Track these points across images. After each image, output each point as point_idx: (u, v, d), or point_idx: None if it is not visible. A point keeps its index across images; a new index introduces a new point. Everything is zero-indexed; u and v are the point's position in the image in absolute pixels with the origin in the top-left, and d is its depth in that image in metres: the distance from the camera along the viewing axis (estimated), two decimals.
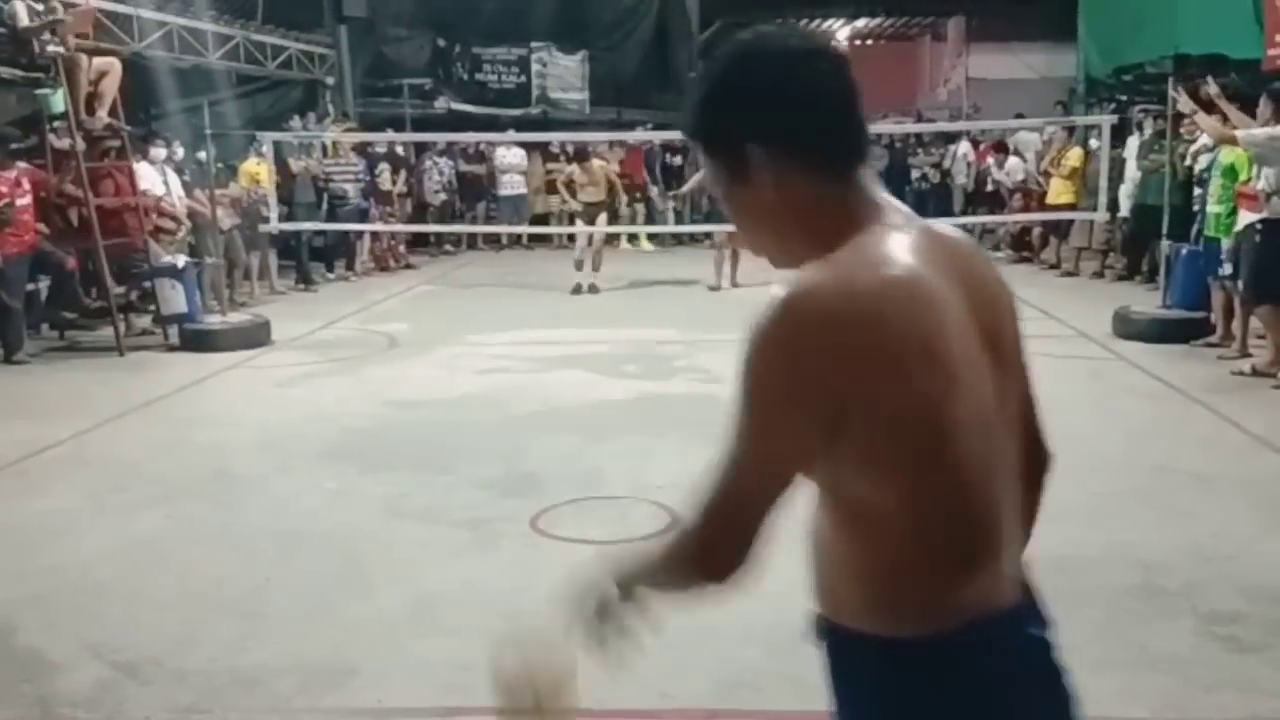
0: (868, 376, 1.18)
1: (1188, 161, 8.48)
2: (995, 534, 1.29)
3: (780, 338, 1.20)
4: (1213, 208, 7.41)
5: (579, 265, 11.19)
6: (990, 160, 13.77)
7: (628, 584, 1.42)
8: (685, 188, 13.49)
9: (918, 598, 1.26)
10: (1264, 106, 6.77)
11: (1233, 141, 6.87)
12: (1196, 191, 8.38)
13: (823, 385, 1.18)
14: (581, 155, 11.69)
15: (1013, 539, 1.33)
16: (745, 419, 1.22)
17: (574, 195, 11.41)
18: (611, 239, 14.46)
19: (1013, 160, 13.37)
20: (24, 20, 7.84)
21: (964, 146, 14.60)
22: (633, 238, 14.89)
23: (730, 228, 9.15)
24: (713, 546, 1.28)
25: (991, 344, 1.28)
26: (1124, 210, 10.91)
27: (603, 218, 11.31)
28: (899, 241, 1.25)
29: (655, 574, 1.39)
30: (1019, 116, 13.73)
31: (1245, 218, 6.82)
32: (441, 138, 14.57)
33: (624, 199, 13.57)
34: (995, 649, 1.28)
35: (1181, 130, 8.63)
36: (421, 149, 14.53)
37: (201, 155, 9.95)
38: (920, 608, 1.26)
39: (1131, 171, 10.74)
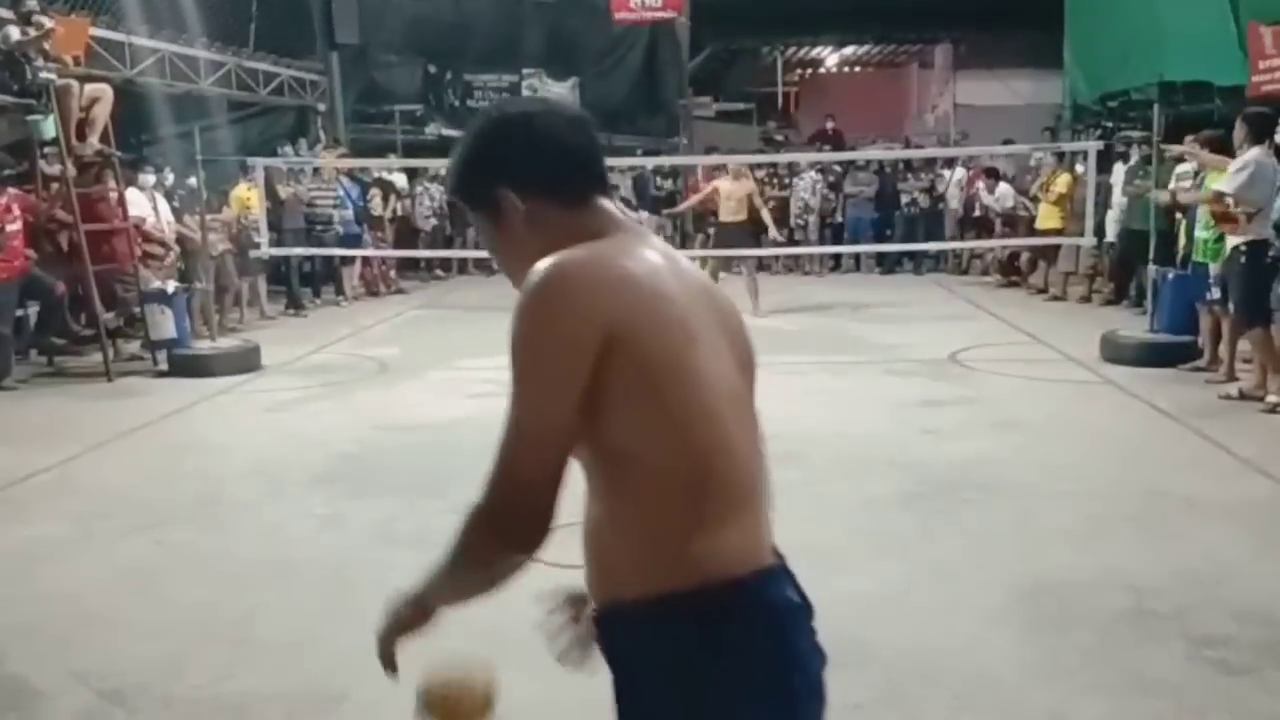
0: (618, 321, 1.31)
1: (1172, 185, 8.56)
2: (753, 492, 1.40)
3: (538, 302, 1.33)
4: (1200, 233, 7.47)
5: None
6: (980, 185, 13.87)
7: (423, 597, 1.53)
8: (680, 208, 13.47)
9: (684, 548, 1.33)
10: (1239, 130, 6.86)
11: (1221, 198, 6.96)
12: (1178, 216, 8.46)
13: (583, 331, 1.31)
14: None
15: (766, 506, 1.44)
16: (523, 385, 1.34)
17: None
18: None
19: (1003, 186, 13.46)
20: (16, 36, 7.86)
21: (959, 172, 14.70)
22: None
23: (718, 253, 9.10)
24: (511, 511, 1.34)
25: (730, 342, 1.46)
26: (1110, 235, 11.00)
27: None
28: (636, 241, 1.46)
29: (453, 570, 1.44)
30: (1008, 142, 13.84)
31: (1230, 241, 6.88)
32: (433, 164, 14.61)
33: None
34: (761, 600, 1.36)
35: (1167, 156, 8.71)
36: (413, 175, 14.57)
37: (192, 181, 9.96)
38: (686, 558, 1.33)
39: (1118, 197, 10.83)
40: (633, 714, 1.39)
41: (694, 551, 1.33)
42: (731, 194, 10.93)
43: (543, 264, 1.36)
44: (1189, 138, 8.08)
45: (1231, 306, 6.88)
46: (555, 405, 1.32)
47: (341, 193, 12.45)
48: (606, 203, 1.52)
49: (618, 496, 1.38)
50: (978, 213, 14.08)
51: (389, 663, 1.58)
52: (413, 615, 1.54)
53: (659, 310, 1.35)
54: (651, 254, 1.43)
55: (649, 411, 1.33)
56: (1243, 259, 6.71)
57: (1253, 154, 6.69)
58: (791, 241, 14.46)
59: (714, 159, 13.97)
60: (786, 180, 15.37)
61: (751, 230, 11.26)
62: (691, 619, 1.32)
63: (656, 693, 1.35)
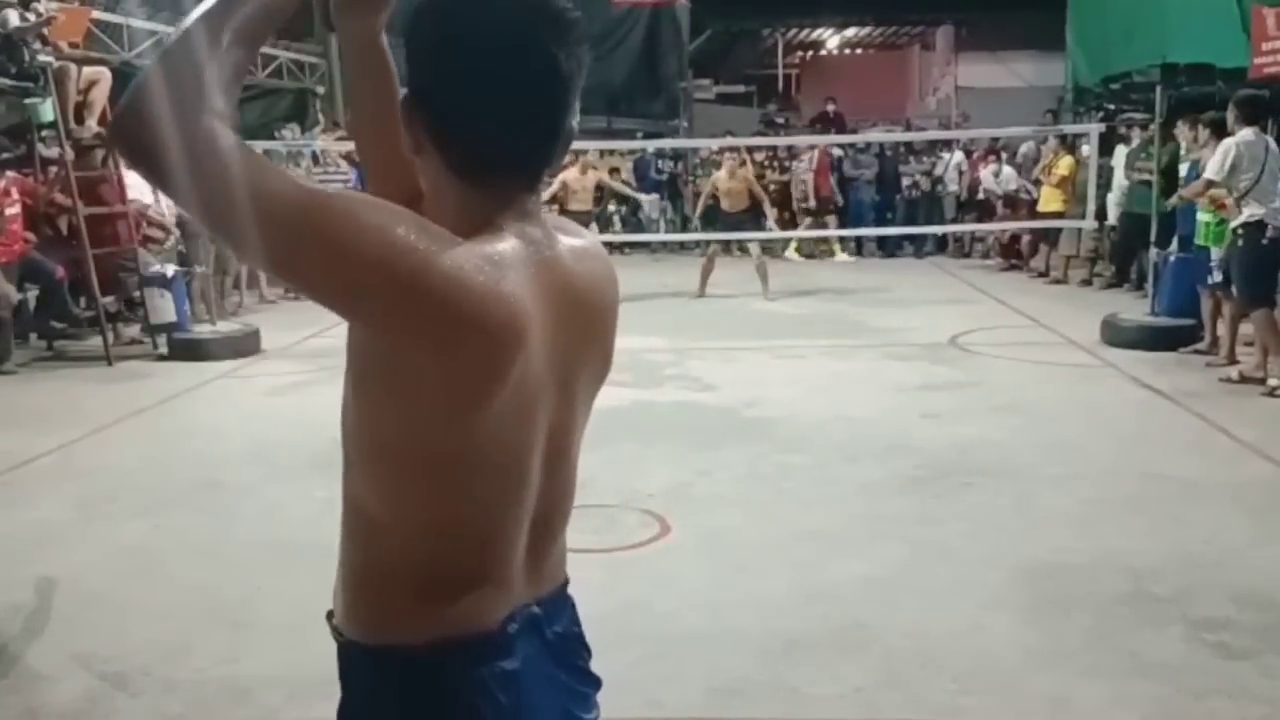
0: (430, 334, 1.09)
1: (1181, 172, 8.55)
2: (492, 562, 1.26)
3: (418, 235, 1.08)
4: (1202, 216, 7.47)
5: None
6: (985, 169, 13.79)
7: None
8: (697, 211, 13.28)
9: (386, 607, 1.25)
10: (1230, 114, 6.91)
11: (1211, 185, 7.02)
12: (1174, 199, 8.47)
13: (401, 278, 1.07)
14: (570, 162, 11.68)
15: (514, 568, 1.28)
16: (336, 230, 1.06)
17: (565, 205, 11.40)
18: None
19: (1007, 170, 13.41)
20: (15, 21, 7.82)
21: (958, 155, 14.65)
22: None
23: (722, 236, 9.09)
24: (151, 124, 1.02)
25: (566, 378, 1.25)
26: (1112, 218, 10.97)
27: (592, 229, 11.32)
28: (510, 255, 1.15)
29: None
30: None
31: (1230, 224, 6.87)
32: None
33: (611, 208, 13.51)
34: (463, 670, 1.25)
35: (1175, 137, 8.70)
36: None
37: None
38: (386, 617, 1.25)
39: (1119, 180, 10.80)
40: None
41: (395, 614, 1.25)
42: (730, 189, 11.17)
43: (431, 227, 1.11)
44: (1181, 122, 8.12)
45: (1235, 289, 6.87)
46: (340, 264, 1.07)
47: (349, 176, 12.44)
48: (516, 198, 1.20)
49: (357, 540, 1.27)
50: (980, 195, 14.03)
51: None
52: None
53: (476, 369, 1.13)
54: (520, 276, 1.15)
55: (415, 481, 1.20)
56: (1240, 241, 6.71)
57: (1237, 136, 6.71)
58: (792, 225, 14.46)
59: (717, 142, 13.93)
60: (786, 164, 15.33)
61: (754, 217, 11.42)
62: (376, 671, 1.27)
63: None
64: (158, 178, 1.04)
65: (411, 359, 1.13)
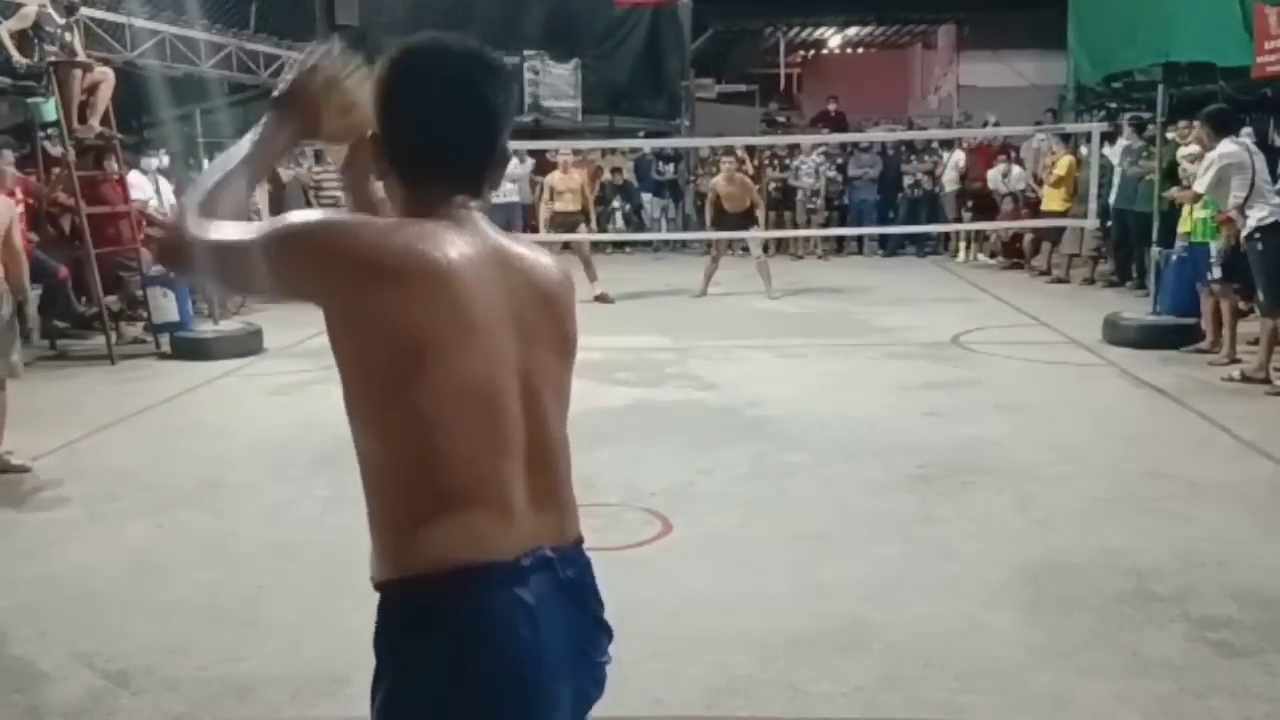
0: (373, 282, 1.35)
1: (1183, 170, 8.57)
2: (486, 483, 1.39)
3: (317, 226, 1.41)
4: (1198, 212, 7.46)
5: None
6: (993, 169, 13.72)
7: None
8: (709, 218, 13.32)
9: (401, 540, 1.39)
10: (1202, 130, 7.00)
11: (1199, 198, 7.18)
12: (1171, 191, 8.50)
13: (331, 271, 1.37)
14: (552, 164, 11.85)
15: (514, 499, 1.41)
16: (289, 262, 1.40)
17: (553, 208, 11.51)
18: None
19: (1015, 170, 13.36)
20: (17, 55, 7.82)
21: (956, 155, 14.63)
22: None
23: (724, 236, 9.12)
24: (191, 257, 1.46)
25: (523, 329, 1.44)
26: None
27: (581, 228, 11.38)
28: (438, 228, 1.41)
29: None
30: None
31: (1245, 229, 6.82)
32: None
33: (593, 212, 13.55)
34: (470, 593, 1.36)
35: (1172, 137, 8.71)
36: None
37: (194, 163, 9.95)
38: (404, 549, 1.39)
39: (1115, 177, 10.80)
40: (374, 685, 1.43)
41: (409, 544, 1.38)
42: (730, 195, 11.35)
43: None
44: (1183, 124, 8.13)
45: (1260, 295, 6.80)
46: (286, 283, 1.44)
47: None
48: (456, 202, 1.47)
49: (368, 486, 1.46)
50: (995, 188, 13.83)
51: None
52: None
53: (430, 296, 1.36)
54: (462, 244, 1.41)
55: (390, 414, 1.39)
56: (1259, 245, 6.63)
57: (1217, 150, 6.72)
58: (794, 224, 14.49)
59: (717, 140, 13.97)
60: (787, 163, 15.33)
61: (755, 218, 11.58)
62: (401, 605, 1.39)
63: (380, 672, 1.42)
64: (189, 273, 1.52)
65: (358, 309, 1.37)
